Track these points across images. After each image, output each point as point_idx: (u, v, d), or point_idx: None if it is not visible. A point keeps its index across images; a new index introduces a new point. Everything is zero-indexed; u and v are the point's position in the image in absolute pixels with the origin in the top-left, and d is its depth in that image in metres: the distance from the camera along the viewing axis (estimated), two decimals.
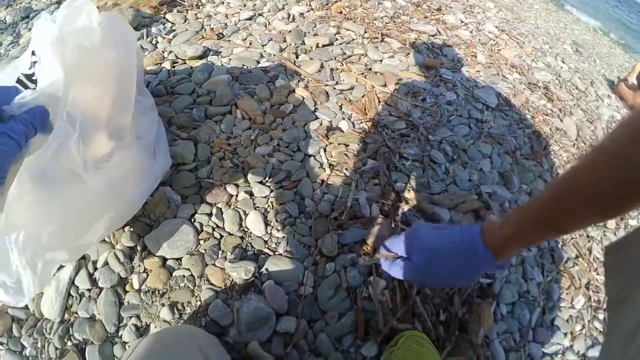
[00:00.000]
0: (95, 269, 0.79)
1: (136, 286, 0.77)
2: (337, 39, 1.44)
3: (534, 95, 1.58)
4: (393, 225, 0.88)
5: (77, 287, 0.77)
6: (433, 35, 1.67)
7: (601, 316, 1.01)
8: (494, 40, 1.88)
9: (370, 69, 1.33)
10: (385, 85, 1.26)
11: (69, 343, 0.73)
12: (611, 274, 0.51)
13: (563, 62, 2.03)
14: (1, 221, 0.58)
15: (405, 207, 0.93)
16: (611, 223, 1.26)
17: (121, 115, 0.71)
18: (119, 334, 0.73)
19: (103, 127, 0.66)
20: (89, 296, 0.76)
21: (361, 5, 1.74)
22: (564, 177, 0.51)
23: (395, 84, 1.28)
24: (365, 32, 1.52)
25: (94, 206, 0.66)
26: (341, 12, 1.63)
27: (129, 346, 0.72)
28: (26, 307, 0.76)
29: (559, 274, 1.04)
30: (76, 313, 0.75)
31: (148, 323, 0.74)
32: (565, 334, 0.95)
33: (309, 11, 1.59)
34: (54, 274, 0.78)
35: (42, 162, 0.53)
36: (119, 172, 0.69)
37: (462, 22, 1.92)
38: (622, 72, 2.70)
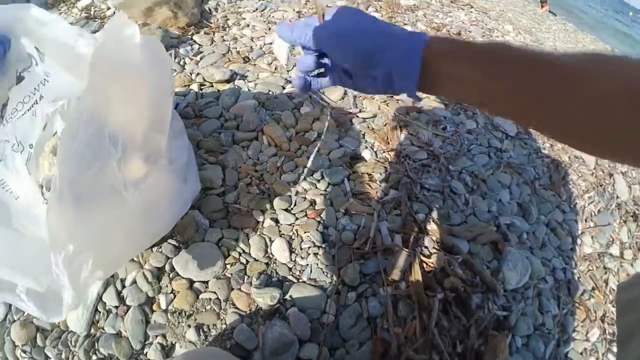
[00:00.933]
0: (124, 286, 0.82)
1: (163, 306, 0.80)
2: None
3: None
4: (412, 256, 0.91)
5: (105, 303, 0.80)
6: None
7: (615, 349, 1.02)
8: None
9: (392, 97, 1.35)
10: (407, 114, 1.29)
11: (94, 357, 0.75)
12: (621, 310, 0.53)
13: None
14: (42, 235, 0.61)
15: (425, 239, 0.95)
16: (628, 253, 1.27)
17: (157, 138, 0.74)
18: (145, 352, 0.75)
19: (140, 148, 0.68)
20: (116, 313, 0.79)
21: None
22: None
23: (417, 112, 1.31)
24: None
25: (131, 226, 0.69)
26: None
27: None
28: None
29: (575, 306, 1.05)
30: (102, 328, 0.77)
31: (174, 342, 0.76)
32: None
33: None
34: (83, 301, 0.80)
35: (85, 180, 0.55)
36: (154, 194, 0.72)
37: None
38: None
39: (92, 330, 0.77)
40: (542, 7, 3.89)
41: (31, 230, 0.67)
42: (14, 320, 0.78)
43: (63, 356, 0.75)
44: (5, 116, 0.74)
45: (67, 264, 0.55)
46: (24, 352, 0.75)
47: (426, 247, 0.94)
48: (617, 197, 1.42)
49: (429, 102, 1.38)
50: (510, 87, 0.40)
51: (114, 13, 1.51)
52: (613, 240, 1.27)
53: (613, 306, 1.09)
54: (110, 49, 0.61)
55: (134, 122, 0.67)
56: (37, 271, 0.61)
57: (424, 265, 0.91)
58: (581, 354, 0.97)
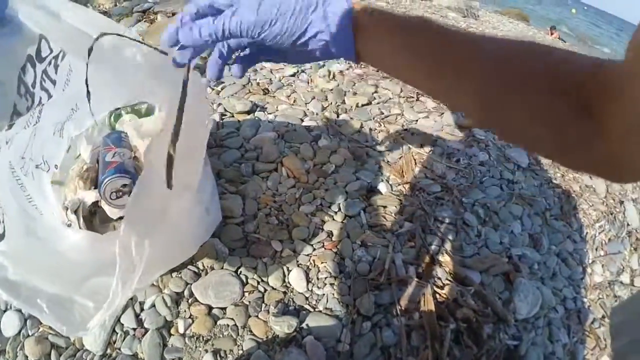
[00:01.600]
0: (142, 309, 0.84)
1: (181, 330, 0.82)
2: (374, 98, 1.52)
3: None
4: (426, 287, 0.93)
5: (122, 325, 0.82)
6: None
7: None
8: None
9: (407, 130, 1.39)
10: (421, 147, 1.33)
11: None
12: (614, 333, 0.55)
13: None
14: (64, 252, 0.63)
15: (438, 270, 0.98)
16: (639, 281, 1.27)
17: (194, 167, 0.74)
18: None
19: (181, 180, 0.71)
20: (134, 335, 0.81)
21: None
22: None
23: (431, 145, 1.35)
24: (401, 90, 1.59)
25: (155, 251, 0.72)
26: (378, 71, 1.72)
27: None
28: (67, 336, 0.80)
29: (585, 335, 1.05)
30: (119, 349, 0.79)
31: None
32: None
33: (347, 69, 1.69)
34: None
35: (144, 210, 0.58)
36: (182, 222, 0.74)
37: None
38: None
39: (109, 351, 0.79)
40: (551, 34, 3.93)
41: (55, 246, 0.67)
42: (29, 335, 0.80)
43: None
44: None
45: (123, 284, 0.57)
46: None
47: (439, 278, 0.97)
48: (628, 224, 1.43)
49: (442, 134, 1.42)
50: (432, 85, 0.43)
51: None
52: (623, 268, 1.28)
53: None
54: (170, 74, 0.60)
55: (180, 156, 0.70)
56: (61, 282, 0.63)
57: (437, 295, 0.93)
58: None
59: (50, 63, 0.82)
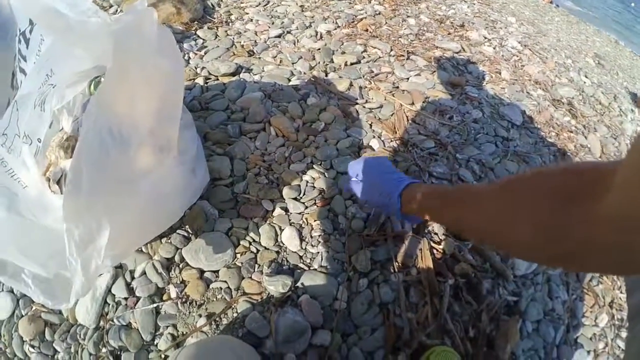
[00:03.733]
0: (133, 278, 0.82)
1: (173, 296, 0.80)
2: (364, 57, 1.48)
3: (558, 111, 1.59)
4: (421, 242, 0.91)
5: (114, 295, 0.80)
6: (457, 52, 1.69)
7: (624, 334, 1.02)
8: (517, 56, 1.89)
9: (398, 87, 1.36)
10: (413, 104, 1.29)
11: (104, 349, 0.75)
12: (629, 289, 0.54)
13: (586, 77, 2.03)
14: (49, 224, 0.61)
15: (435, 225, 0.95)
16: None
17: (169, 130, 0.74)
18: (155, 343, 0.76)
19: (153, 139, 0.68)
20: (126, 305, 0.79)
21: (386, 23, 1.77)
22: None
23: (423, 102, 1.31)
24: (392, 49, 1.55)
25: (140, 215, 0.69)
26: (367, 30, 1.67)
27: (165, 354, 0.74)
28: (60, 312, 0.79)
29: (584, 292, 1.04)
30: (112, 320, 0.77)
31: (184, 332, 0.77)
32: (589, 352, 0.95)
33: (335, 29, 1.63)
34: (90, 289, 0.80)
35: (99, 170, 0.56)
36: (163, 184, 0.72)
37: (485, 38, 1.94)
38: None
39: (102, 323, 0.77)
40: None
41: (38, 219, 0.67)
42: (22, 316, 0.78)
43: (72, 350, 0.75)
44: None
45: (80, 250, 0.55)
46: (33, 347, 0.76)
47: (436, 234, 0.94)
48: None
49: (434, 92, 1.38)
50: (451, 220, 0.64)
51: (116, 10, 1.51)
52: None
53: (621, 292, 1.09)
54: (130, 34, 0.59)
55: (148, 113, 0.67)
56: (45, 257, 0.62)
57: (434, 251, 0.91)
58: (590, 339, 0.97)
59: (20, 41, 0.77)
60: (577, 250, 0.38)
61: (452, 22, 1.99)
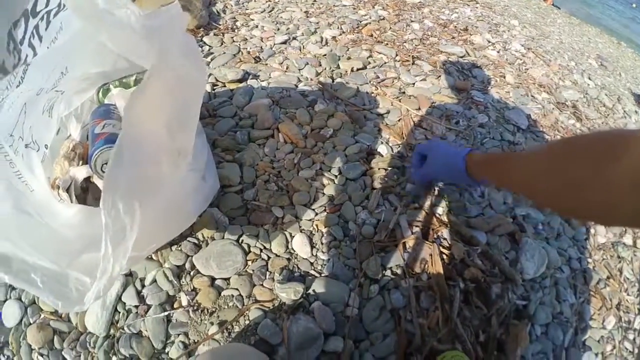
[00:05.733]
0: (143, 286, 0.82)
1: (185, 304, 0.80)
2: (370, 63, 1.49)
3: (563, 114, 1.60)
4: (432, 248, 0.91)
5: (124, 303, 0.80)
6: (462, 57, 1.70)
7: (631, 336, 1.02)
8: (521, 60, 1.90)
9: (404, 93, 1.36)
10: (419, 109, 1.30)
11: (114, 358, 0.74)
12: None
13: (589, 79, 2.03)
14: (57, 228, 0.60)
15: (444, 231, 0.96)
16: None
17: (188, 134, 0.73)
18: (166, 351, 0.75)
19: (174, 142, 0.68)
20: (137, 312, 0.79)
21: (390, 28, 1.78)
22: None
23: (429, 107, 1.32)
24: (397, 55, 1.56)
25: (156, 219, 0.67)
26: (372, 35, 1.68)
27: None
28: (69, 320, 0.79)
29: (591, 295, 1.05)
30: (122, 329, 0.77)
31: (196, 341, 0.77)
32: (597, 355, 0.95)
33: (340, 34, 1.64)
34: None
35: (128, 176, 0.54)
36: (180, 189, 0.72)
37: (489, 41, 1.94)
38: None
39: (112, 331, 0.77)
40: (545, 0, 3.88)
41: (47, 221, 0.65)
42: (30, 324, 0.78)
43: (82, 358, 0.75)
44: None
45: (115, 247, 0.54)
46: (41, 355, 0.75)
47: (445, 239, 0.95)
48: None
49: (439, 96, 1.39)
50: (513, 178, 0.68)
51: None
52: (626, 229, 1.27)
53: (628, 294, 1.10)
54: (164, 34, 0.59)
55: (173, 115, 0.66)
56: (54, 254, 0.60)
57: (444, 256, 0.92)
58: (598, 341, 0.97)
59: (42, 18, 0.76)
60: (599, 201, 0.44)
61: (455, 26, 2.00)
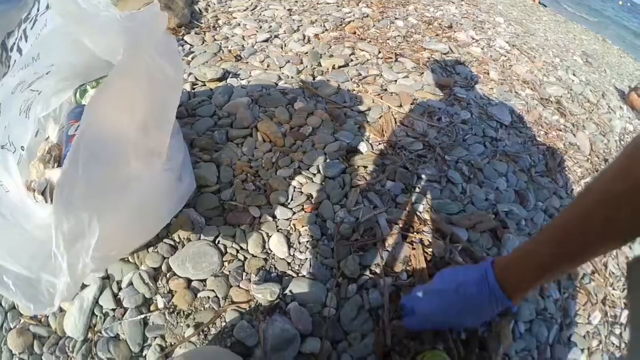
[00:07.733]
0: (120, 289, 0.80)
1: (161, 306, 0.79)
2: (352, 60, 1.48)
3: (546, 110, 1.59)
4: (412, 247, 0.90)
5: (101, 306, 0.78)
6: (445, 54, 1.69)
7: (617, 331, 1.02)
8: (505, 56, 1.90)
9: (386, 90, 1.35)
10: (400, 106, 1.29)
11: None
12: (636, 286, 0.53)
13: (574, 75, 2.04)
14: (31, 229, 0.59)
15: (424, 228, 0.95)
16: None
17: (163, 133, 0.73)
18: (144, 354, 0.74)
19: (146, 140, 0.68)
20: (114, 316, 0.78)
21: (374, 25, 1.77)
22: (560, 218, 0.59)
23: (411, 104, 1.31)
24: (379, 52, 1.55)
25: (125, 223, 0.68)
26: (355, 33, 1.67)
27: None
28: (48, 324, 0.77)
29: (576, 290, 1.04)
30: (100, 332, 0.76)
31: (172, 343, 0.75)
32: (583, 350, 0.95)
33: (323, 32, 1.63)
34: (77, 293, 0.79)
35: (91, 175, 0.55)
36: (150, 191, 0.71)
37: (473, 38, 1.94)
38: (633, 80, 2.70)
39: (90, 335, 0.76)
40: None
41: (20, 223, 0.65)
42: (10, 329, 0.76)
43: None
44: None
45: (68, 245, 0.54)
46: None
47: (426, 237, 0.94)
48: None
49: (422, 93, 1.38)
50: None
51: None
52: None
53: (614, 289, 1.09)
54: (142, 34, 0.59)
55: (145, 114, 0.66)
56: (27, 259, 0.60)
57: (425, 254, 0.90)
58: (584, 337, 0.97)
59: (31, 20, 0.76)
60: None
61: (440, 24, 1.99)
